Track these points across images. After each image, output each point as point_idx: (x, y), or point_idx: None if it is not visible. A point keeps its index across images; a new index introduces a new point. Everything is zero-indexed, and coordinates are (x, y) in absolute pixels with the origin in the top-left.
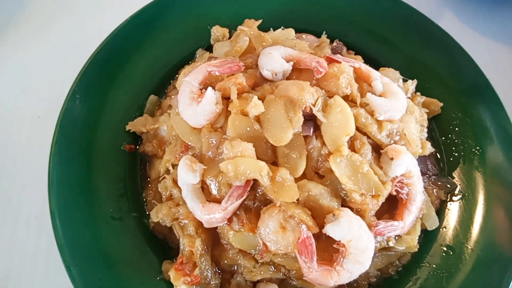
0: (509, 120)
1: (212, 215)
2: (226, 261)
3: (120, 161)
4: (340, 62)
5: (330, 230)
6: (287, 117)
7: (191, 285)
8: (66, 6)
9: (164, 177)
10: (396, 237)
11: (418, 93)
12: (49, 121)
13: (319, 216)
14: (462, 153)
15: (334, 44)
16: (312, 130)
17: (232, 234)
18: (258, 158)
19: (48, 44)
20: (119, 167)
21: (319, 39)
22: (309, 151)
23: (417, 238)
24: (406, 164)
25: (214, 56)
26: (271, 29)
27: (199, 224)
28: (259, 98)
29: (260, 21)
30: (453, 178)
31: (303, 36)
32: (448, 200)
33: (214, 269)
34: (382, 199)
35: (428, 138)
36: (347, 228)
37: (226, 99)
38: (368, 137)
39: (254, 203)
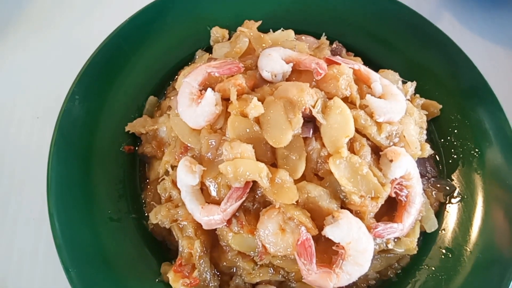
0: (507, 122)
1: (211, 217)
2: (225, 263)
3: (119, 162)
4: (339, 64)
5: (330, 232)
6: (286, 118)
7: (190, 287)
8: (66, 7)
9: (163, 179)
10: (395, 239)
11: (418, 95)
12: (48, 122)
13: (318, 218)
14: (461, 155)
15: (334, 45)
16: (311, 131)
17: (231, 236)
18: (257, 160)
19: (48, 45)
20: (118, 168)
21: (319, 40)
22: (309, 152)
23: (416, 240)
24: (405, 166)
25: (213, 57)
26: (271, 30)
27: (198, 225)
28: (258, 100)
29: (259, 23)
30: (452, 180)
31: (303, 37)
32: (447, 202)
33: (213, 271)
34: (381, 201)
35: (427, 140)
36: (346, 230)
37: (225, 100)
38: (368, 139)
39: (254, 204)
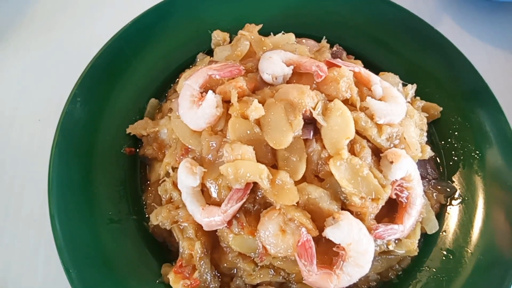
0: (508, 124)
1: (212, 218)
2: (225, 264)
3: (120, 164)
4: (340, 66)
5: (330, 233)
6: (287, 120)
7: None
8: (68, 10)
9: (164, 180)
10: (396, 241)
11: (418, 98)
12: (50, 124)
13: (319, 219)
14: (461, 157)
15: (334, 48)
16: (312, 133)
17: (231, 237)
18: (258, 161)
19: (50, 48)
20: (119, 170)
21: (319, 43)
22: (309, 154)
23: (417, 241)
24: (405, 168)
25: (214, 60)
26: (272, 33)
27: (198, 227)
28: (259, 102)
29: (260, 26)
30: (453, 182)
31: (303, 40)
32: (448, 204)
33: (213, 272)
34: (382, 203)
35: (427, 142)
36: (347, 231)
37: (226, 102)
38: (368, 140)
39: (254, 206)
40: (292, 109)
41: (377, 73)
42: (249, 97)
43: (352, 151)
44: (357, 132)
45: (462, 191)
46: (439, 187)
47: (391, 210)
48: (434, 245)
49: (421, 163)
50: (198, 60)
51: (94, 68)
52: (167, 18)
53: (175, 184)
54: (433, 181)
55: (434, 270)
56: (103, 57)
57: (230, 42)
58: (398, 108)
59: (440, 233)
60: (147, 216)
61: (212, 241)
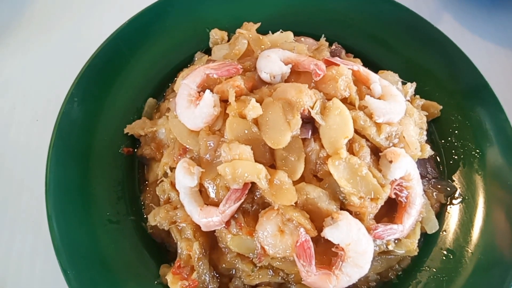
0: (508, 123)
1: (210, 219)
2: (224, 265)
3: (118, 164)
4: (338, 65)
5: (329, 233)
6: (285, 119)
7: None
8: (65, 11)
9: (162, 180)
10: (396, 241)
11: (417, 96)
12: (48, 124)
13: (317, 219)
14: (462, 156)
15: (333, 47)
16: (310, 132)
17: (230, 237)
18: (256, 161)
19: (47, 48)
20: (117, 170)
21: (318, 42)
22: (308, 153)
23: (416, 241)
24: (405, 167)
25: (212, 59)
26: (270, 32)
27: (197, 227)
28: (257, 101)
29: (258, 24)
30: (453, 181)
31: (302, 39)
32: (448, 203)
33: (212, 273)
34: (381, 202)
35: (427, 141)
36: (346, 232)
37: (224, 101)
38: (367, 139)
39: (252, 206)
40: (290, 108)
41: (376, 71)
42: (247, 96)
43: (351, 150)
44: (356, 131)
45: (462, 190)
46: (439, 186)
47: (391, 210)
48: (434, 245)
49: (421, 162)
50: (196, 59)
51: (91, 68)
52: (164, 16)
53: (173, 185)
54: (433, 180)
55: (434, 270)
56: (100, 57)
57: (228, 41)
58: (397, 107)
59: (440, 233)
60: (145, 216)
61: (210, 241)
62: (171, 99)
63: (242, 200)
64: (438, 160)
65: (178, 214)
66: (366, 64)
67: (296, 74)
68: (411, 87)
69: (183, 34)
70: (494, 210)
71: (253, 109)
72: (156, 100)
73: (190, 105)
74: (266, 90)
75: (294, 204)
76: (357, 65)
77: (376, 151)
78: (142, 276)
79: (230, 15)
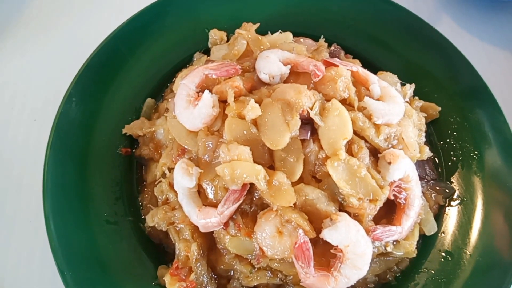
0: (507, 125)
1: (208, 220)
2: (222, 266)
3: (116, 165)
4: (337, 66)
5: (328, 235)
6: (284, 120)
7: None
8: (64, 10)
9: (160, 181)
10: (394, 242)
11: (416, 97)
12: (46, 124)
13: (316, 220)
14: (460, 158)
15: (332, 48)
16: (309, 133)
17: (228, 238)
18: (255, 162)
19: (46, 48)
20: (115, 170)
21: (317, 43)
22: (306, 155)
23: (415, 243)
24: (404, 169)
25: (211, 59)
26: (269, 32)
27: (195, 228)
28: (256, 101)
29: (258, 25)
30: (452, 182)
31: (301, 39)
32: (446, 205)
33: (210, 274)
34: (380, 204)
35: (426, 143)
36: (344, 233)
37: (223, 102)
38: (366, 141)
39: (251, 207)
40: (289, 109)
41: (375, 72)
42: (246, 97)
43: (349, 151)
44: (354, 133)
45: (461, 192)
46: (437, 188)
47: (389, 212)
48: (433, 247)
49: (420, 164)
50: (195, 59)
51: (89, 68)
52: (163, 16)
53: (171, 185)
54: (432, 181)
55: (433, 271)
56: (98, 57)
57: (227, 41)
58: (396, 108)
59: (439, 235)
60: (143, 217)
61: (208, 242)
62: (169, 100)
63: (241, 201)
64: (437, 161)
65: (176, 215)
66: (365, 65)
67: (295, 75)
68: (410, 88)
69: (182, 34)
70: (493, 212)
71: (252, 109)
72: (155, 100)
73: (189, 106)
74: (265, 91)
75: (293, 205)
76: (356, 66)
77: (375, 153)
78: (140, 277)
79: (229, 16)
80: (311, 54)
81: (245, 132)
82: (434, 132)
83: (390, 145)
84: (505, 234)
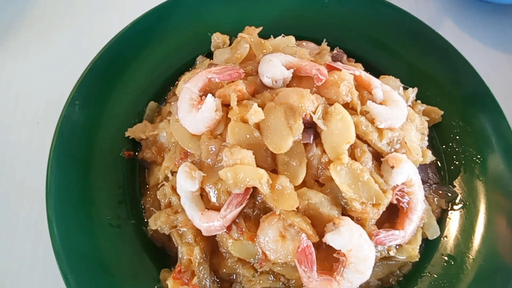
0: (510, 129)
1: (211, 223)
2: (225, 270)
3: (119, 168)
4: (340, 70)
5: (330, 239)
6: (287, 124)
7: None
8: (66, 13)
9: (163, 184)
10: (397, 246)
11: (419, 101)
12: (49, 127)
13: (319, 224)
14: (463, 162)
15: (335, 51)
16: (312, 137)
17: (231, 242)
18: (257, 166)
19: (49, 51)
20: (117, 173)
21: (320, 46)
22: (309, 159)
23: (418, 247)
24: (406, 173)
25: (214, 63)
26: (272, 36)
27: (197, 232)
28: (259, 105)
29: (260, 28)
30: (454, 186)
31: (304, 43)
32: (449, 209)
33: (212, 278)
34: (382, 208)
35: (428, 147)
36: (347, 237)
37: (226, 106)
38: (369, 145)
39: (254, 211)
40: (292, 113)
41: (377, 76)
42: (248, 101)
43: (352, 155)
44: (357, 137)
45: (464, 196)
46: (440, 192)
47: (392, 216)
48: (435, 251)
49: (422, 168)
50: (197, 62)
51: (92, 71)
52: (166, 20)
53: (174, 189)
54: (434, 185)
55: (435, 276)
56: (101, 60)
57: (230, 45)
58: (399, 112)
59: (442, 239)
60: (146, 220)
61: (211, 246)
62: (172, 103)
63: (244, 205)
64: (439, 165)
65: (179, 218)
66: (367, 69)
67: (298, 78)
68: (412, 92)
69: (185, 37)
70: (495, 216)
71: (255, 113)
72: (158, 103)
73: (192, 109)
74: (268, 95)
75: (296, 209)
76: (359, 70)
77: (378, 157)
78: (142, 281)
79: (232, 19)
80: (313, 57)
81: (248, 136)
82: (437, 136)
83: (393, 149)
84: (508, 238)
